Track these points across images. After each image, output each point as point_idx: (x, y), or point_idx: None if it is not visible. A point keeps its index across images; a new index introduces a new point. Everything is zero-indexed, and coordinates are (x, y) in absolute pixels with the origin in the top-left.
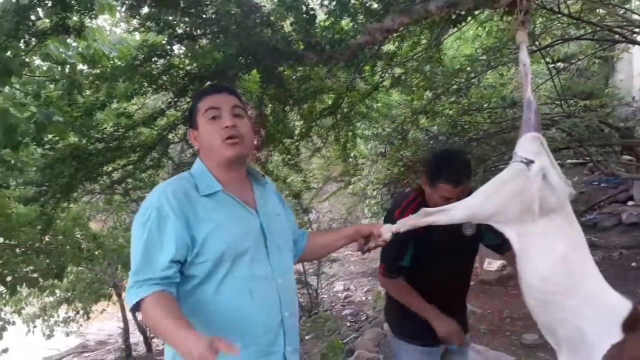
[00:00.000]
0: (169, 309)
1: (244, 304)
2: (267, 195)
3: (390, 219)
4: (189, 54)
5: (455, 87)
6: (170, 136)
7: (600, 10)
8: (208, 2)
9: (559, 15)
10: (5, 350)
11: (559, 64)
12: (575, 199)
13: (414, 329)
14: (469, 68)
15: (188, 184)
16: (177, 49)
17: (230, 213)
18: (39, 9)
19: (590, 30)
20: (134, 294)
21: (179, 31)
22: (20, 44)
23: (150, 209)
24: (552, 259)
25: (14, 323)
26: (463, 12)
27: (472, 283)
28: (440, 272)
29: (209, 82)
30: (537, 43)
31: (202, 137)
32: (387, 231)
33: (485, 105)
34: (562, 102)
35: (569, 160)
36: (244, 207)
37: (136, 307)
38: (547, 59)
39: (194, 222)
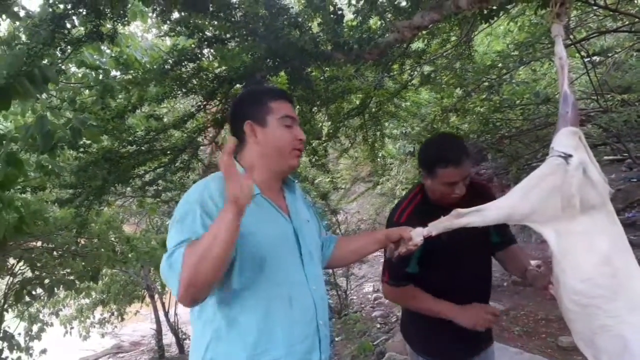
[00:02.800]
0: None
1: (284, 311)
2: (297, 201)
3: (390, 224)
4: (218, 57)
5: (486, 84)
6: (200, 139)
7: (639, 0)
8: (237, 5)
9: (595, 8)
10: (44, 351)
11: (595, 57)
12: (613, 197)
13: (439, 347)
14: (500, 64)
15: None
16: (207, 52)
17: (268, 217)
18: (74, 17)
19: (627, 22)
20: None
21: (209, 34)
22: (57, 52)
23: (192, 203)
24: (596, 259)
25: (52, 325)
26: (495, 7)
27: (504, 284)
28: (455, 273)
29: (237, 85)
30: (572, 36)
31: (271, 138)
32: (417, 235)
33: (517, 102)
34: (598, 97)
35: (605, 157)
36: (279, 212)
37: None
38: (582, 53)
39: None
